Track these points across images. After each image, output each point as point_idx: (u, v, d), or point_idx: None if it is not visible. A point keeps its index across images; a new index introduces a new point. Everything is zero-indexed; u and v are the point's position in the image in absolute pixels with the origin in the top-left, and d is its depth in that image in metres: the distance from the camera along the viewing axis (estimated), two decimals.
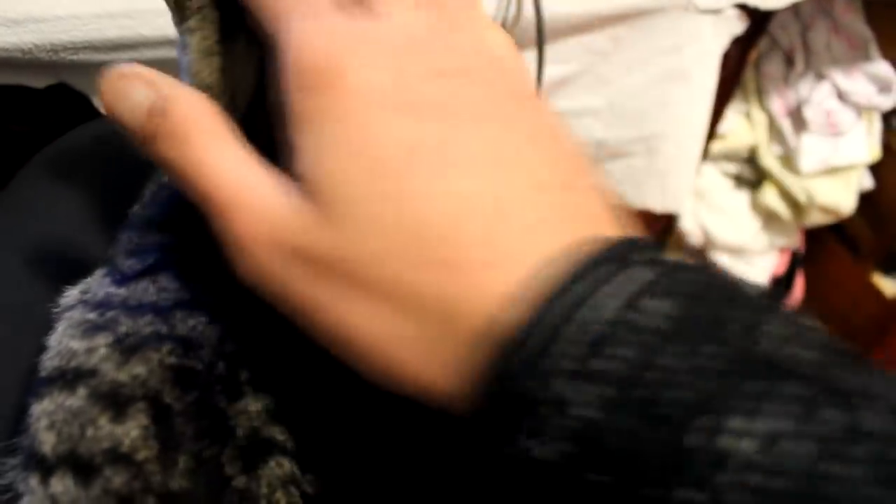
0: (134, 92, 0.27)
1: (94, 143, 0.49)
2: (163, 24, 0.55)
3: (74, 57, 0.55)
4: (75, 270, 0.37)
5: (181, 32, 0.31)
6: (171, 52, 0.57)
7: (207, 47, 0.31)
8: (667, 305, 0.19)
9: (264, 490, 0.29)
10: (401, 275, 0.22)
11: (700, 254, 1.10)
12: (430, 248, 0.22)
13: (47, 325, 0.33)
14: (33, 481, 0.29)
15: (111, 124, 0.55)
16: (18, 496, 0.30)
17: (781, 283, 1.12)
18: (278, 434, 0.29)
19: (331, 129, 0.23)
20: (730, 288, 0.21)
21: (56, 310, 0.33)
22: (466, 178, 0.23)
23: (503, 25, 0.70)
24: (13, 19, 0.52)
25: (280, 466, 0.29)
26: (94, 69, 0.57)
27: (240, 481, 0.29)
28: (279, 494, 0.29)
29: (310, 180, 0.23)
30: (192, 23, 0.31)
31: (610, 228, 0.23)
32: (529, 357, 0.20)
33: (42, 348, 0.33)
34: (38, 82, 0.58)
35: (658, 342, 0.19)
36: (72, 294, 0.34)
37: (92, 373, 0.29)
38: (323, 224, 0.23)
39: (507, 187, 0.23)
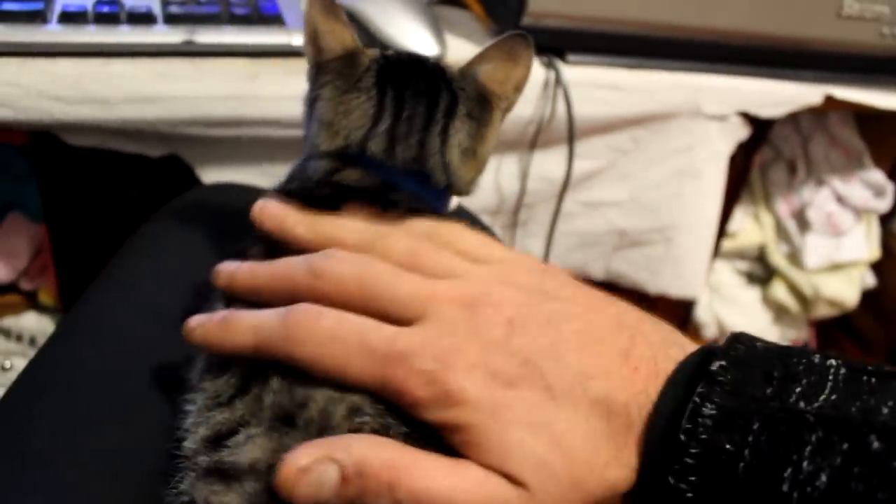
0: (322, 476, 0.28)
1: (203, 203, 0.59)
2: (263, 106, 0.66)
3: (188, 130, 0.66)
4: (192, 296, 0.45)
5: (318, 87, 0.42)
6: (267, 131, 0.68)
7: (334, 96, 0.42)
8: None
9: None
10: None
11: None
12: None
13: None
14: None
15: (211, 191, 0.66)
16: None
17: None
18: None
19: (504, 437, 0.29)
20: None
21: None
22: (602, 380, 0.30)
23: (539, 126, 0.81)
24: (146, 97, 0.63)
25: None
26: (202, 141, 0.69)
27: None
28: None
29: (517, 478, 0.29)
30: (326, 79, 0.42)
31: (680, 341, 0.32)
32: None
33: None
34: (154, 152, 0.69)
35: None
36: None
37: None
38: (528, 500, 0.29)
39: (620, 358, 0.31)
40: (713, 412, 0.28)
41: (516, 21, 0.76)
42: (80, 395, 0.40)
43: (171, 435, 0.36)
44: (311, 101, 0.42)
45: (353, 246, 0.35)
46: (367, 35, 0.71)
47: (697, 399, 0.28)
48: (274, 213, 0.37)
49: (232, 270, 0.36)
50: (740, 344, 0.30)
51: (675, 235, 0.96)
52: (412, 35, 0.72)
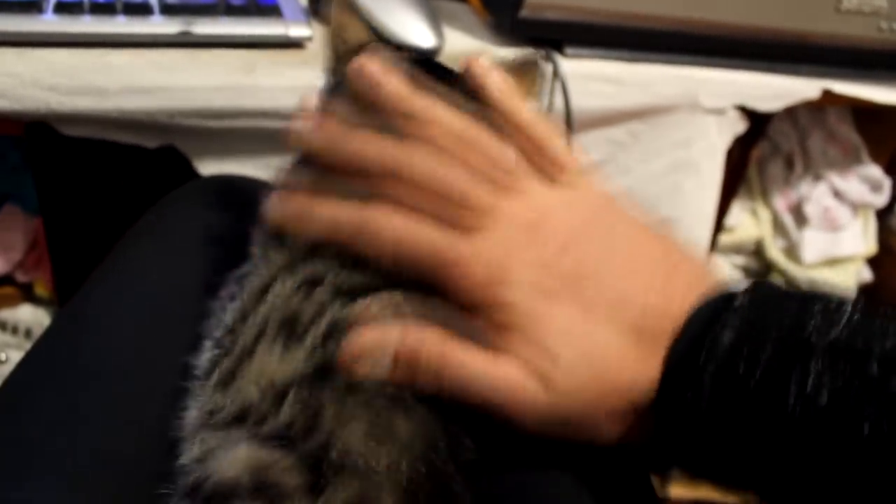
0: (379, 358, 0.33)
1: (202, 195, 0.59)
2: (261, 98, 0.66)
3: (186, 121, 0.66)
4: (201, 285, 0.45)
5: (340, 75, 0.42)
6: (264, 122, 0.67)
7: None
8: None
9: None
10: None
11: None
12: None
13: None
14: None
15: (210, 182, 0.65)
16: None
17: None
18: None
19: (542, 341, 0.33)
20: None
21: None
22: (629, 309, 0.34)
23: None
24: (143, 88, 0.63)
25: None
26: (199, 132, 0.68)
27: None
28: None
29: (545, 376, 0.33)
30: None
31: (713, 281, 0.35)
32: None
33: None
34: (151, 143, 0.68)
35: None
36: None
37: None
38: (553, 397, 0.33)
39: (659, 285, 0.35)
40: (731, 339, 0.31)
41: (514, 13, 0.75)
42: (77, 388, 0.40)
43: (170, 429, 0.36)
44: (333, 88, 0.43)
45: (439, 136, 0.36)
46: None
47: (718, 327, 0.31)
48: (374, 73, 0.37)
49: (315, 134, 0.37)
50: (763, 287, 0.34)
51: (673, 229, 0.96)
52: (410, 27, 0.72)
